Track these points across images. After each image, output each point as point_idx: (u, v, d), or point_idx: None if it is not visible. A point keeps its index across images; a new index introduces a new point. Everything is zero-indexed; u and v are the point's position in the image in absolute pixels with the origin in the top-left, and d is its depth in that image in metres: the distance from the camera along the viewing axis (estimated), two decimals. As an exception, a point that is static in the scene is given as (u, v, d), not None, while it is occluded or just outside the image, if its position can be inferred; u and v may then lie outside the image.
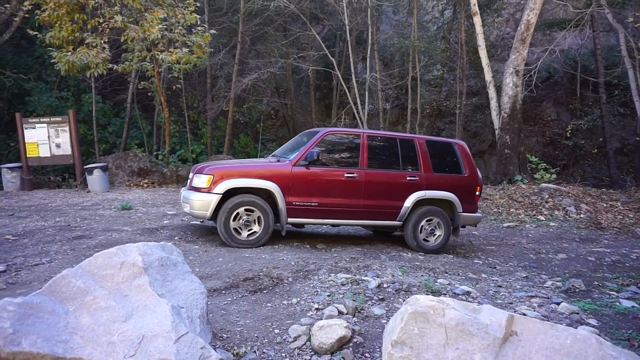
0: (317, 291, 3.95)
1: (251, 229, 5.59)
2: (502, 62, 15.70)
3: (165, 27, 9.78)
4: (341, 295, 3.78)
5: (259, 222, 5.61)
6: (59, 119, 10.43)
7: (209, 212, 5.46)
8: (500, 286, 4.67)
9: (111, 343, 2.42)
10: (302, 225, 6.69)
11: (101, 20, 9.44)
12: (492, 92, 12.78)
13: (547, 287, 4.82)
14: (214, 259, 4.91)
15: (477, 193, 6.68)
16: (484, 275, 5.14)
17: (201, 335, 2.72)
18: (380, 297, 3.81)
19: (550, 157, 16.75)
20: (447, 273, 5.06)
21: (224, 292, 3.91)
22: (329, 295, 3.78)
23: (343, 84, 14.52)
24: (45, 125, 10.27)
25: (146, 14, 9.72)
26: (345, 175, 5.89)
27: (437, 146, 6.62)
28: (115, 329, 2.48)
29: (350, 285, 4.10)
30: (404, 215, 6.16)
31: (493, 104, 12.77)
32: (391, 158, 6.27)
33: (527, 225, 8.81)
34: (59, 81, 14.92)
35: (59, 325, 2.45)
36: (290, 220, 5.70)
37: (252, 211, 5.57)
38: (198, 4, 11.21)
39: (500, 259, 6.28)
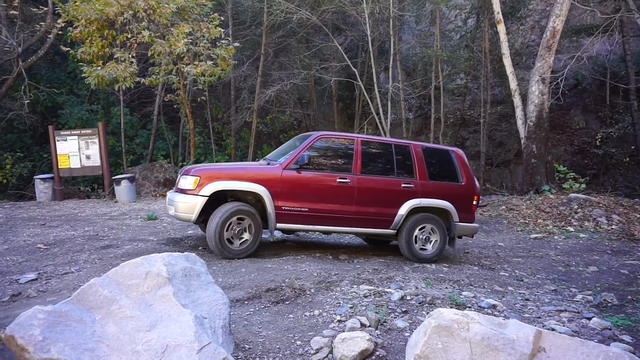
0: (340, 303, 3.93)
1: (243, 238, 5.42)
2: (528, 70, 15.44)
3: (190, 41, 10.01)
4: (364, 307, 3.75)
5: (249, 230, 5.45)
6: (89, 131, 10.76)
7: (194, 215, 5.27)
8: (527, 299, 4.55)
9: (136, 352, 2.46)
10: (291, 231, 6.49)
11: (129, 36, 9.73)
12: (517, 100, 12.56)
13: (577, 301, 4.67)
14: (237, 269, 4.94)
15: (475, 202, 6.48)
16: (510, 288, 5.02)
17: (223, 345, 2.73)
18: (403, 309, 3.76)
19: (579, 166, 16.30)
20: (472, 285, 4.96)
21: (246, 302, 3.93)
22: (351, 307, 3.75)
23: (365, 94, 14.53)
24: (76, 137, 10.61)
25: (172, 29, 9.98)
26: (338, 180, 5.72)
27: (433, 153, 6.46)
28: (140, 338, 2.52)
29: (372, 297, 4.06)
30: (398, 223, 5.98)
31: (518, 112, 12.55)
32: (386, 164, 6.11)
33: (556, 237, 8.57)
34: (89, 95, 15.43)
35: (86, 333, 2.50)
36: (279, 225, 5.52)
37: (242, 219, 5.40)
38: (222, 18, 11.45)
39: (527, 271, 6.12)
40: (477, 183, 6.62)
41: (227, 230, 5.32)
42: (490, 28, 15.16)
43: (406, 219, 6.00)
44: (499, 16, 12.63)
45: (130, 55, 9.85)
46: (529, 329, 2.43)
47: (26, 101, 12.22)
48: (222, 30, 10.70)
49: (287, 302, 3.97)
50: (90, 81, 9.63)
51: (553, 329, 3.47)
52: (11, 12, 11.60)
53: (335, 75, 15.87)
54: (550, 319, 3.87)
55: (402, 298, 4.00)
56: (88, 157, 10.69)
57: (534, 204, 10.36)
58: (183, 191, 5.41)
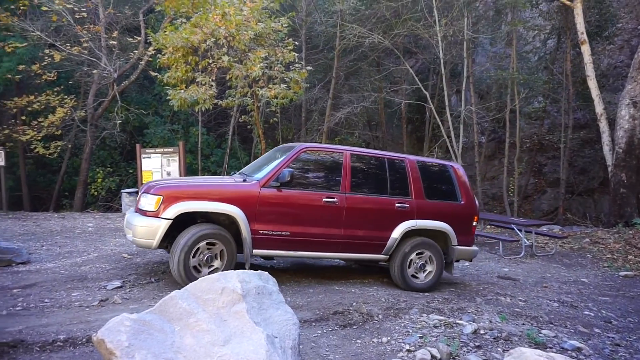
0: (409, 331, 3.82)
1: (213, 266, 4.71)
2: (615, 93, 14.36)
3: (266, 65, 10.45)
4: (434, 338, 3.61)
5: (221, 257, 4.75)
6: (170, 149, 11.52)
7: (155, 242, 4.53)
8: (618, 345, 4.13)
9: (210, 365, 2.55)
10: (271, 257, 5.92)
11: (210, 61, 10.36)
12: (603, 125, 11.69)
13: (678, 350, 4.16)
14: (305, 290, 4.98)
15: (474, 223, 5.93)
16: (597, 330, 4.59)
17: (292, 366, 2.75)
18: (476, 344, 3.57)
19: (677, 198, 14.69)
20: (552, 324, 4.60)
21: (314, 324, 3.94)
22: (421, 337, 3.63)
23: (437, 117, 14.27)
24: (159, 155, 11.40)
25: (249, 54, 10.49)
26: (324, 200, 5.09)
27: (430, 169, 5.95)
28: (215, 352, 2.61)
29: (443, 328, 3.90)
30: (391, 248, 5.37)
31: (605, 138, 11.66)
32: (378, 181, 5.53)
33: (650, 276, 7.74)
34: (171, 115, 16.57)
35: (166, 343, 2.64)
36: (256, 252, 4.88)
37: (213, 244, 4.71)
38: (297, 43, 11.87)
39: (616, 312, 5.56)
40: (476, 202, 6.09)
41: (194, 257, 4.60)
42: (572, 49, 14.35)
43: (400, 243, 5.41)
44: (583, 36, 11.93)
45: (210, 79, 10.47)
46: (624, 379, 2.21)
47: (118, 121, 13.36)
48: (296, 54, 11.07)
49: (354, 327, 3.93)
50: (174, 103, 10.32)
51: (651, 381, 3.12)
52: (111, 43, 12.86)
53: (405, 98, 15.77)
54: (647, 368, 3.48)
55: (475, 331, 3.80)
56: (169, 174, 11.41)
57: (623, 238, 9.48)
58: (143, 212, 4.71)
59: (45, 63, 12.12)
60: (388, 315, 4.25)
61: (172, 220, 4.53)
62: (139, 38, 13.54)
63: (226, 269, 4.59)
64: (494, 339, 3.71)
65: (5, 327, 3.45)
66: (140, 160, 11.43)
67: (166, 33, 10.46)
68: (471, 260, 6.26)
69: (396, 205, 5.43)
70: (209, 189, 4.85)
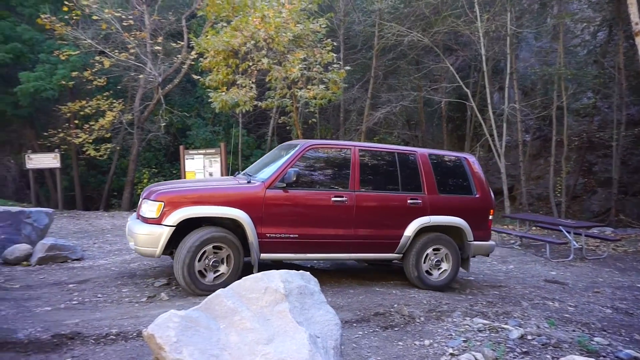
0: (452, 335, 3.75)
1: (219, 270, 4.56)
2: (674, 87, 13.51)
3: (304, 66, 10.52)
4: (478, 343, 3.52)
5: (227, 261, 4.59)
6: (212, 150, 11.81)
7: (158, 250, 4.38)
8: (679, 355, 3.88)
9: (255, 363, 2.60)
10: (280, 261, 5.67)
11: (250, 64, 10.55)
12: (660, 121, 11.01)
13: None
14: (345, 290, 4.98)
15: (490, 217, 5.66)
16: (655, 339, 4.34)
17: (335, 367, 2.76)
18: (523, 349, 3.45)
19: None
20: (605, 331, 4.39)
21: (354, 324, 3.93)
22: (464, 341, 3.55)
23: (478, 115, 13.90)
24: (202, 156, 11.71)
25: (288, 55, 10.60)
26: (333, 199, 4.91)
27: (442, 162, 5.73)
28: (259, 350, 2.66)
29: (488, 332, 3.80)
30: (404, 247, 5.20)
31: (662, 135, 10.98)
32: (388, 177, 5.34)
33: None
34: (213, 117, 16.99)
35: (211, 340, 2.71)
36: (264, 256, 4.70)
37: (219, 248, 4.55)
38: (335, 44, 11.89)
39: (677, 321, 5.24)
40: (492, 195, 5.80)
41: (199, 261, 4.45)
42: (625, 41, 13.60)
43: (413, 241, 5.23)
44: (637, 27, 11.28)
45: (250, 81, 10.66)
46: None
47: (163, 124, 13.85)
48: (334, 54, 11.09)
49: (396, 329, 3.90)
50: (215, 105, 10.58)
51: None
52: (155, 48, 13.35)
53: (445, 96, 15.46)
54: None
55: (522, 337, 3.68)
56: (210, 174, 11.70)
57: (684, 241, 8.90)
58: (145, 219, 4.53)
59: (96, 69, 12.72)
60: (430, 318, 4.19)
61: (174, 227, 4.38)
62: (182, 43, 13.97)
63: (232, 273, 4.54)
64: (543, 345, 3.57)
65: (63, 319, 3.65)
66: (183, 161, 11.78)
67: (208, 37, 10.74)
68: (488, 256, 6.03)
69: (408, 201, 5.25)
70: (211, 193, 4.68)
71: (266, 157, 5.93)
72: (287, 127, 15.43)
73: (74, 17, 12.22)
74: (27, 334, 3.24)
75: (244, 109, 11.19)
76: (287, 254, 4.87)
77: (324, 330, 2.94)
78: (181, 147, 12.04)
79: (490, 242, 5.77)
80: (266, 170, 5.07)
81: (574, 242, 8.62)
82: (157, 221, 4.40)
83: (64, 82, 12.89)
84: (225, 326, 2.79)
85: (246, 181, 4.90)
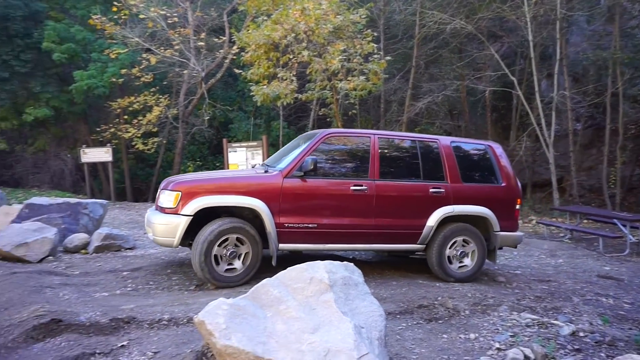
0: (498, 329, 3.68)
1: (232, 264, 4.55)
2: None
3: (344, 57, 10.48)
4: (526, 338, 3.44)
5: (245, 254, 4.56)
6: (254, 143, 12.02)
7: (175, 240, 4.37)
8: None
9: (301, 351, 2.65)
10: (299, 252, 5.59)
11: (291, 57, 10.62)
12: None
13: None
14: (388, 282, 4.98)
15: (517, 207, 5.37)
16: None
17: (379, 357, 2.78)
18: (575, 346, 3.34)
19: None
20: (665, 329, 4.16)
21: (398, 316, 3.93)
22: (512, 336, 3.48)
23: (525, 103, 13.38)
24: (244, 148, 11.95)
25: (328, 47, 10.59)
26: (352, 188, 4.81)
27: (466, 150, 5.52)
28: (305, 339, 2.71)
29: (536, 327, 3.70)
30: (427, 237, 5.05)
31: None
32: (410, 165, 5.19)
33: None
34: (254, 111, 17.27)
35: (259, 327, 2.79)
36: (282, 246, 4.64)
37: (239, 240, 4.53)
38: (375, 34, 11.76)
39: None
40: (519, 184, 5.53)
41: (216, 256, 4.44)
42: (690, 21, 12.66)
43: (437, 231, 5.08)
44: (703, 6, 10.47)
45: (291, 74, 10.74)
46: None
47: (206, 118, 14.22)
48: (375, 45, 10.98)
49: (440, 321, 3.86)
50: (257, 99, 10.73)
51: None
52: (199, 44, 13.69)
53: (489, 84, 14.96)
54: None
55: (573, 333, 3.56)
56: (253, 167, 11.94)
57: None
58: (162, 209, 4.55)
59: (143, 66, 13.21)
60: (475, 311, 4.12)
61: (192, 217, 4.36)
62: (224, 38, 14.24)
63: (252, 265, 4.54)
64: (596, 342, 3.44)
65: (119, 304, 3.87)
66: (226, 154, 12.06)
67: (249, 31, 10.88)
68: (515, 247, 5.81)
69: (430, 190, 5.10)
70: (229, 182, 4.65)
71: (285, 147, 5.88)
72: (328, 119, 15.44)
73: (123, 17, 12.71)
74: (88, 317, 3.46)
75: (285, 102, 11.29)
76: (306, 244, 4.78)
77: (368, 321, 2.96)
78: (224, 140, 12.33)
79: (518, 233, 5.59)
80: (284, 160, 5.02)
81: (630, 236, 8.18)
82: (175, 211, 4.40)
83: (114, 80, 13.49)
84: (271, 315, 2.87)
85: (264, 171, 4.87)
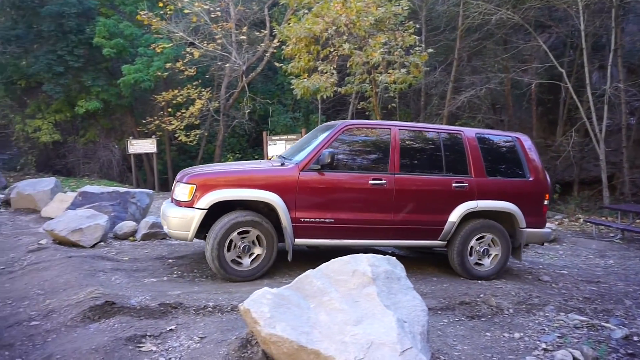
0: (544, 329, 3.58)
1: (253, 254, 4.51)
2: None
3: (386, 50, 10.36)
4: (575, 340, 3.33)
5: (259, 246, 4.50)
6: (293, 136, 12.14)
7: (190, 233, 4.32)
8: None
9: (344, 343, 2.68)
10: (316, 247, 5.41)
11: (332, 50, 10.60)
12: None
13: None
14: (428, 278, 4.93)
15: (545, 202, 5.08)
16: None
17: (422, 352, 2.77)
18: (629, 351, 3.20)
19: None
20: None
21: (439, 312, 3.89)
22: (559, 337, 3.38)
23: (575, 96, 12.79)
24: (283, 141, 12.09)
25: (369, 40, 10.50)
26: (371, 182, 4.66)
27: (492, 142, 5.27)
28: (347, 330, 2.74)
29: (585, 329, 3.57)
30: (448, 233, 4.86)
31: None
32: (431, 159, 4.99)
33: None
34: (292, 104, 17.39)
35: (302, 318, 2.83)
36: (298, 241, 4.55)
37: (249, 233, 4.45)
38: (417, 26, 11.55)
39: None
40: (547, 178, 5.22)
41: (229, 251, 4.40)
42: None
43: (459, 227, 4.88)
44: None
45: (331, 68, 10.73)
46: None
47: (247, 111, 14.44)
48: (416, 37, 10.79)
49: (482, 319, 3.80)
50: (297, 92, 10.80)
51: None
52: (240, 37, 13.90)
53: (536, 77, 14.40)
54: None
55: (626, 337, 3.41)
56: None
57: None
58: (177, 202, 4.51)
59: (187, 60, 13.55)
60: (519, 310, 4.02)
61: (206, 211, 4.29)
62: (265, 31, 14.38)
63: (266, 259, 4.48)
64: (651, 347, 3.29)
65: (167, 290, 4.03)
66: (266, 146, 12.24)
67: (290, 25, 10.94)
68: (543, 244, 5.58)
69: (453, 185, 4.90)
70: (244, 176, 4.56)
71: (303, 139, 5.76)
72: (367, 113, 15.34)
73: (168, 12, 13.07)
74: (139, 301, 3.62)
75: (325, 95, 11.30)
76: (323, 239, 4.68)
77: (410, 315, 2.95)
78: (264, 133, 12.49)
79: (546, 230, 5.35)
80: (302, 152, 4.89)
81: (688, 238, 7.72)
82: (189, 204, 4.34)
83: (159, 73, 13.91)
84: (314, 305, 2.90)
85: (280, 164, 4.78)
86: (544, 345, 3.25)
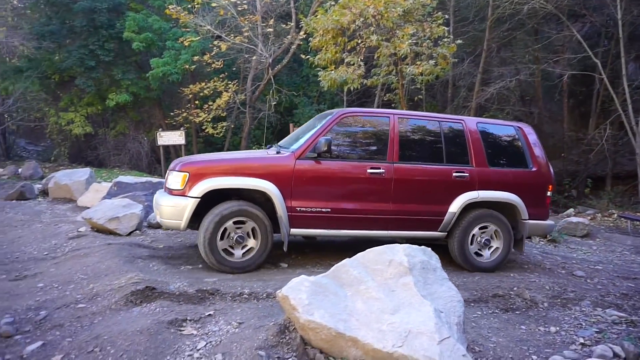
0: (581, 324, 3.53)
1: (246, 246, 4.43)
2: None
3: (413, 41, 10.25)
4: (615, 336, 3.28)
5: (253, 236, 4.40)
6: (319, 128, 12.18)
7: (182, 223, 4.24)
8: None
9: (381, 331, 2.71)
10: (313, 237, 5.35)
11: (359, 41, 10.55)
12: None
13: None
14: (459, 269, 4.92)
15: (548, 193, 4.93)
16: None
17: (459, 342, 2.78)
18: (670, 347, 3.13)
19: None
20: None
21: (472, 304, 3.88)
22: (597, 332, 3.33)
23: (610, 88, 12.40)
24: (309, 134, 12.14)
25: (397, 31, 10.40)
26: (369, 171, 4.57)
27: (494, 132, 5.15)
28: (385, 319, 2.77)
29: (624, 325, 3.51)
30: (448, 224, 4.77)
31: None
32: (431, 147, 4.88)
33: None
34: (317, 96, 17.39)
35: (339, 305, 2.88)
36: (294, 231, 4.47)
37: (244, 222, 4.36)
38: (446, 16, 11.38)
39: None
40: (551, 169, 5.06)
41: (221, 238, 4.30)
42: None
43: (459, 218, 4.80)
44: None
45: (358, 59, 10.68)
46: None
47: (273, 103, 14.53)
48: (445, 28, 10.64)
49: (517, 312, 3.77)
50: (324, 84, 10.79)
51: None
52: (267, 30, 13.95)
53: (568, 68, 14.01)
54: None
55: (667, 334, 3.34)
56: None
57: None
58: (170, 191, 4.41)
59: (214, 53, 13.69)
60: (554, 305, 3.98)
61: (199, 199, 4.21)
62: (291, 24, 14.39)
63: (261, 250, 4.40)
64: (693, 344, 3.21)
65: (203, 277, 4.14)
66: (292, 139, 12.31)
67: (317, 16, 10.92)
68: (545, 237, 5.42)
69: (454, 174, 4.82)
70: (238, 164, 4.45)
71: (301, 128, 5.66)
72: (392, 105, 15.24)
73: (196, 6, 13.22)
74: (177, 287, 3.73)
75: (352, 87, 11.27)
76: (319, 229, 4.59)
77: (447, 306, 2.96)
78: (291, 125, 12.56)
79: (549, 222, 5.23)
80: (298, 141, 4.80)
81: None
82: (182, 193, 4.27)
83: (186, 66, 14.10)
84: (351, 294, 2.94)
85: (275, 152, 4.71)
86: (581, 340, 3.21)
